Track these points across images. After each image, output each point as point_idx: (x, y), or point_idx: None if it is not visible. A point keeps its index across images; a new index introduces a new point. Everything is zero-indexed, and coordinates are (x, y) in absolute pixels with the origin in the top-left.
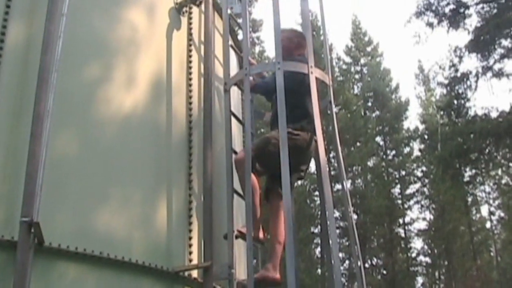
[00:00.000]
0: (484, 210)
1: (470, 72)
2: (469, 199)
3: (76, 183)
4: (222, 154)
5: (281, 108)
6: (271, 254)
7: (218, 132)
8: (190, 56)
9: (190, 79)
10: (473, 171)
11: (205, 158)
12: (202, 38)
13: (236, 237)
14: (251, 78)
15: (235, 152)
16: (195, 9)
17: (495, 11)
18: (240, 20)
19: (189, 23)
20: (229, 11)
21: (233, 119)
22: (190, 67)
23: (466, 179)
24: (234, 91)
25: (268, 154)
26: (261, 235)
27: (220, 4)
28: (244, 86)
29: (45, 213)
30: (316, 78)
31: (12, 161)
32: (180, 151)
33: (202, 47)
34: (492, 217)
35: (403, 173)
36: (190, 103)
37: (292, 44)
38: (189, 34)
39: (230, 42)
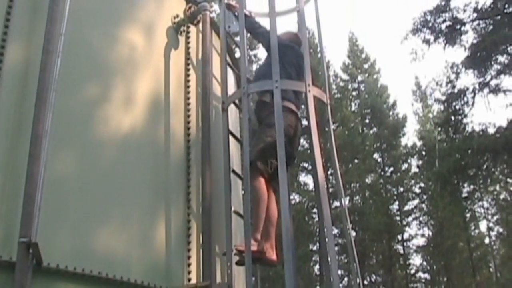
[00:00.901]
0: (483, 225)
1: (467, 88)
2: (468, 215)
3: (75, 203)
4: (221, 173)
5: (279, 123)
6: (266, 236)
7: (217, 151)
8: (188, 75)
9: (188, 98)
10: (471, 187)
11: (203, 178)
12: (200, 57)
13: (235, 255)
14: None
15: (234, 171)
16: (192, 28)
17: (491, 27)
18: (237, 39)
19: (187, 42)
20: (226, 30)
21: (231, 138)
22: (188, 86)
23: (464, 195)
24: (232, 109)
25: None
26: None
27: (217, 23)
28: (242, 105)
29: (44, 233)
30: (314, 97)
31: (11, 181)
32: (178, 171)
33: (200, 66)
34: (491, 233)
35: (401, 189)
36: (188, 122)
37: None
38: (187, 53)
39: (228, 60)
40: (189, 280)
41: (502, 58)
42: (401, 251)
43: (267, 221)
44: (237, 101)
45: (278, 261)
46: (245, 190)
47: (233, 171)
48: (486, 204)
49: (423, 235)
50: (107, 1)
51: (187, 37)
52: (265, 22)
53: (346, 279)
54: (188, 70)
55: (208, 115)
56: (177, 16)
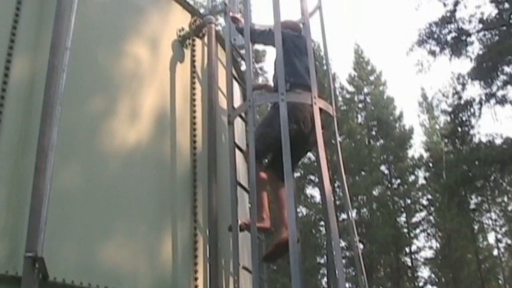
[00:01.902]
0: (491, 237)
1: (474, 99)
2: (476, 227)
3: (81, 217)
4: (227, 186)
5: (285, 137)
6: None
7: (223, 164)
8: (194, 89)
9: (194, 111)
10: (479, 198)
11: (210, 191)
12: (206, 70)
13: (241, 229)
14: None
15: (240, 185)
16: (198, 41)
17: (496, 38)
18: (243, 51)
19: (193, 55)
20: (232, 42)
21: (237, 151)
22: (194, 100)
23: (472, 206)
24: (238, 122)
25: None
26: (268, 223)
27: (223, 36)
28: (248, 118)
29: (50, 248)
30: (320, 109)
31: (16, 195)
32: (184, 184)
33: (206, 79)
34: (499, 244)
35: (409, 201)
36: (194, 136)
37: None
38: (193, 66)
39: (234, 73)
40: None
41: (508, 69)
42: (409, 264)
43: (281, 207)
44: (243, 114)
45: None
46: (252, 203)
47: (240, 184)
48: (494, 216)
49: (431, 247)
50: (112, 15)
51: (193, 50)
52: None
53: None
54: (194, 83)
55: (214, 128)
56: (183, 29)
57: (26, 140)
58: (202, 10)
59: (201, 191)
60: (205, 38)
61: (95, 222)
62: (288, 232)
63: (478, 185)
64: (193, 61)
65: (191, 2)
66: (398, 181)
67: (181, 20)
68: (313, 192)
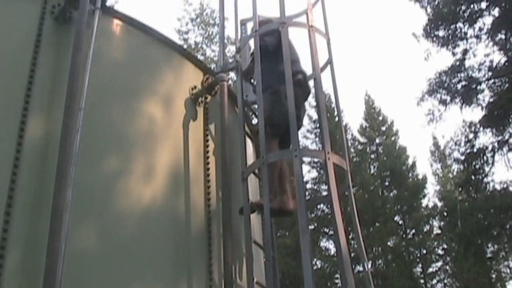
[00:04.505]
0: (510, 286)
1: (486, 147)
2: (494, 276)
3: (96, 277)
4: (242, 244)
5: (300, 194)
6: (281, 191)
7: (238, 221)
8: (207, 146)
9: (208, 168)
10: (496, 246)
11: (225, 249)
12: (219, 128)
13: (253, 210)
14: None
15: (255, 242)
16: (210, 99)
17: (507, 85)
18: (255, 106)
19: (205, 113)
20: (244, 99)
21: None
22: (208, 157)
23: (489, 255)
24: (252, 179)
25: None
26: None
27: (235, 92)
28: (261, 174)
29: None
30: (334, 164)
31: (32, 255)
32: (199, 242)
33: (219, 136)
34: None
35: (424, 251)
36: (209, 193)
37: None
38: (206, 124)
39: (246, 130)
40: None
41: None
42: None
43: (281, 178)
44: (256, 170)
45: (295, 209)
46: (267, 258)
47: (255, 242)
48: None
49: None
50: (126, 74)
51: (206, 108)
52: None
53: None
54: (207, 140)
55: (228, 185)
56: (195, 87)
57: (41, 200)
58: (213, 66)
59: (216, 249)
60: (218, 96)
61: (110, 283)
62: (294, 202)
63: (494, 233)
64: (206, 119)
65: (202, 58)
66: (413, 231)
67: (193, 78)
68: (327, 244)
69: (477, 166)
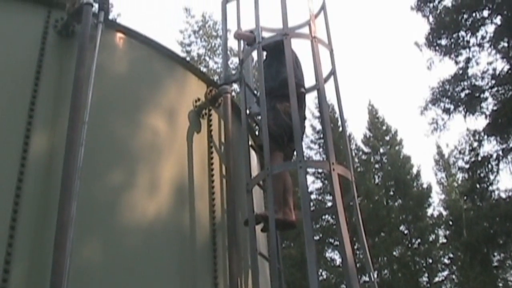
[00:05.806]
0: None
1: (491, 156)
2: (500, 284)
3: None
4: (248, 256)
5: (305, 204)
6: (284, 202)
7: (243, 233)
8: (212, 158)
9: (212, 181)
10: (502, 255)
11: (230, 261)
12: (223, 140)
13: (258, 222)
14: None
15: (261, 254)
16: (214, 111)
17: (510, 93)
18: (259, 117)
19: (209, 125)
20: (247, 111)
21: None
22: (212, 169)
23: (495, 263)
24: (256, 191)
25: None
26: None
27: (238, 104)
28: (266, 186)
29: None
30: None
31: (36, 270)
32: (205, 255)
33: (223, 148)
34: None
35: (430, 261)
36: (213, 206)
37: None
38: (210, 136)
39: (250, 141)
40: None
41: None
42: None
43: (285, 192)
44: (261, 182)
45: (297, 221)
46: (273, 270)
47: (260, 254)
48: None
49: None
50: (129, 87)
51: (209, 120)
52: None
53: None
54: (211, 153)
55: (233, 198)
56: (199, 99)
57: (45, 215)
58: (216, 78)
59: (221, 261)
60: (221, 108)
61: None
62: (296, 214)
63: (500, 242)
64: (209, 131)
65: (205, 70)
66: (419, 240)
67: (197, 90)
68: (332, 255)
69: (482, 175)
